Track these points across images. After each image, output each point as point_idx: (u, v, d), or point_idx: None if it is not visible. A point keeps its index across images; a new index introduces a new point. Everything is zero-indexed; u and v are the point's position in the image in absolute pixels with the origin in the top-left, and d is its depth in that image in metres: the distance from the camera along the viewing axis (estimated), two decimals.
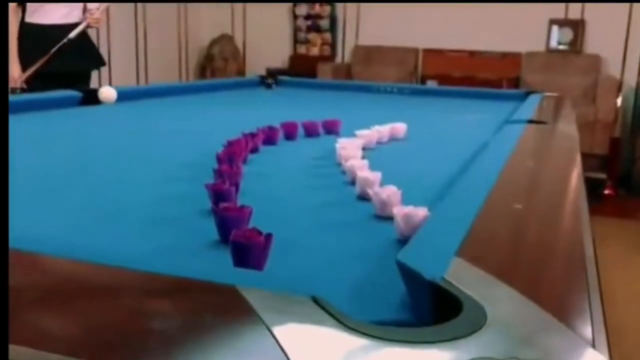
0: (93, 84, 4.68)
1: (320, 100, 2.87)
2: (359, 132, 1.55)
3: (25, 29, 3.11)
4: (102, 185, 1.15)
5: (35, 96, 1.97)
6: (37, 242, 0.66)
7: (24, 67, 3.08)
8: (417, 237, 0.71)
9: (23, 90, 2.43)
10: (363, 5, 5.89)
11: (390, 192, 0.95)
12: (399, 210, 0.84)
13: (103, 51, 4.91)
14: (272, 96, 3.02)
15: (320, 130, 1.73)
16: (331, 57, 5.99)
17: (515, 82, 5.33)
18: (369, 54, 5.89)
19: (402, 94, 3.20)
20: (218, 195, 0.91)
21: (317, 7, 5.89)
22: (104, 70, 4.88)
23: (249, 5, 6.13)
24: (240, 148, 1.23)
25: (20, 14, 3.12)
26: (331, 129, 1.74)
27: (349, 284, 0.70)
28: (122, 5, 5.02)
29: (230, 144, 1.25)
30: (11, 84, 3.10)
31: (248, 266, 0.68)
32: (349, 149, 1.35)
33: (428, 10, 5.75)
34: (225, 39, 6.00)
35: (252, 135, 1.42)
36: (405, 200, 0.96)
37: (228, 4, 6.11)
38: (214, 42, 6.00)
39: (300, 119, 1.77)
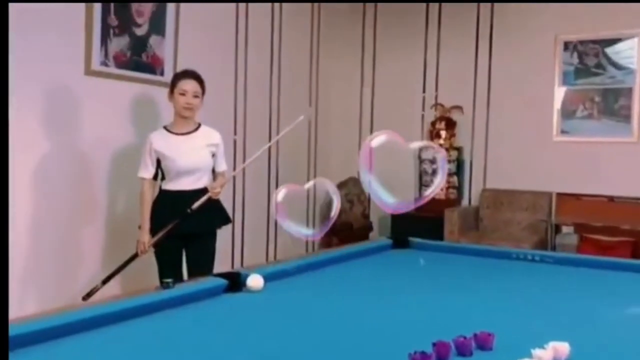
0: (227, 249, 4.88)
1: (454, 274, 2.77)
2: None
3: (160, 195, 3.39)
4: None
5: (181, 291, 2.02)
6: None
7: (155, 230, 3.27)
8: None
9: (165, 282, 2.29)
10: (490, 147, 5.84)
11: None
12: None
13: (238, 205, 5.12)
14: (406, 265, 2.94)
15: (473, 346, 1.61)
16: (457, 200, 5.89)
17: None
18: (498, 198, 5.75)
19: (544, 262, 3.02)
20: None
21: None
22: (238, 227, 5.07)
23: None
24: None
25: (157, 185, 3.41)
26: (484, 344, 1.62)
27: None
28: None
29: None
30: (140, 248, 3.27)
31: None
32: None
33: (560, 152, 5.58)
34: (351, 182, 6.11)
35: None
36: None
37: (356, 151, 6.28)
38: (341, 185, 6.11)
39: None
